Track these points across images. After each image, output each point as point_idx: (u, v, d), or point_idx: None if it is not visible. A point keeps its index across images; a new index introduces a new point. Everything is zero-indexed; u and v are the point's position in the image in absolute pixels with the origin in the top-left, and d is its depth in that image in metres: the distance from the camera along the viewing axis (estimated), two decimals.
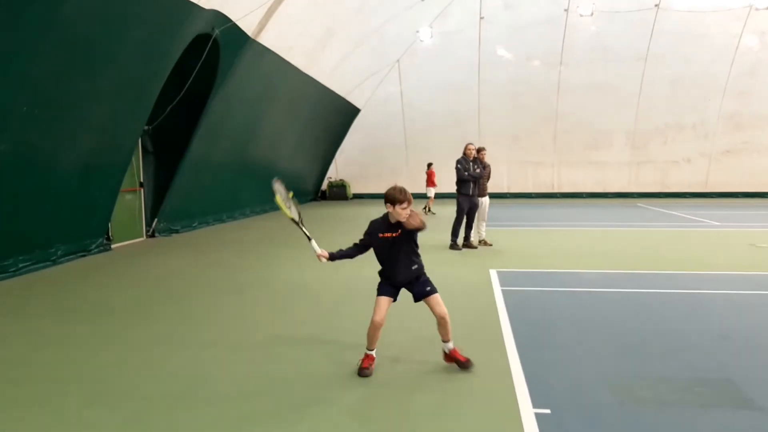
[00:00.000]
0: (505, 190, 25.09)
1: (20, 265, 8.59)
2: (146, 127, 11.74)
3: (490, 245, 11.15)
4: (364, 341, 4.59)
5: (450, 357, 4.60)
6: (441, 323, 4.53)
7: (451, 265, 9.21)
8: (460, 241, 10.98)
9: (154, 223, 12.77)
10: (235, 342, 5.40)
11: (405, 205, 4.35)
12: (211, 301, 7.08)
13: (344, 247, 4.67)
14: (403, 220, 4.38)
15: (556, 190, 25.48)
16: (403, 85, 24.17)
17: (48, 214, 9.10)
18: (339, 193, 25.60)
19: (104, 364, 4.84)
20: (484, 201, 11.25)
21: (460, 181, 10.83)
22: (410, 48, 22.82)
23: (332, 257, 4.61)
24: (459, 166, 10.76)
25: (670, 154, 24.53)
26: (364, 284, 7.22)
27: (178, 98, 11.76)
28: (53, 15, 7.58)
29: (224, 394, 4.15)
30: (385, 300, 4.52)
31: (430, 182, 19.35)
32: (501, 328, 5.68)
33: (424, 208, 18.79)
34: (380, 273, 4.64)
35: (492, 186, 12.37)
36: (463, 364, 4.52)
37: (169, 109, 11.77)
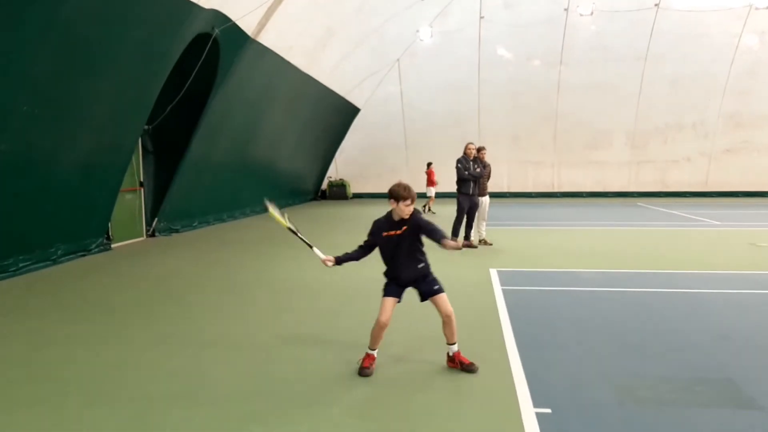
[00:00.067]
0: (505, 190, 25.08)
1: (20, 265, 8.60)
2: (146, 127, 11.74)
3: (491, 245, 11.16)
4: (365, 341, 4.59)
5: (454, 361, 4.58)
6: (446, 322, 4.53)
7: (451, 265, 9.20)
8: (460, 240, 10.97)
9: (154, 223, 12.77)
10: (235, 342, 5.40)
11: (409, 202, 4.38)
12: (212, 301, 7.08)
13: (349, 250, 4.66)
14: (406, 217, 4.41)
15: (556, 190, 25.47)
16: (403, 85, 24.17)
17: (48, 214, 9.10)
18: (339, 192, 25.64)
19: (104, 364, 4.84)
20: (485, 200, 11.26)
21: (461, 181, 10.84)
22: (410, 47, 22.81)
23: (338, 261, 4.60)
24: (459, 165, 10.77)
25: (670, 154, 24.52)
26: (364, 284, 7.23)
27: (178, 98, 11.76)
28: (53, 15, 7.58)
29: (224, 394, 4.15)
30: (390, 300, 4.52)
31: (430, 182, 19.39)
32: (501, 328, 5.68)
33: (424, 206, 18.81)
34: (385, 273, 4.63)
35: (492, 185, 12.38)
36: (468, 368, 4.51)
37: (169, 108, 11.77)
